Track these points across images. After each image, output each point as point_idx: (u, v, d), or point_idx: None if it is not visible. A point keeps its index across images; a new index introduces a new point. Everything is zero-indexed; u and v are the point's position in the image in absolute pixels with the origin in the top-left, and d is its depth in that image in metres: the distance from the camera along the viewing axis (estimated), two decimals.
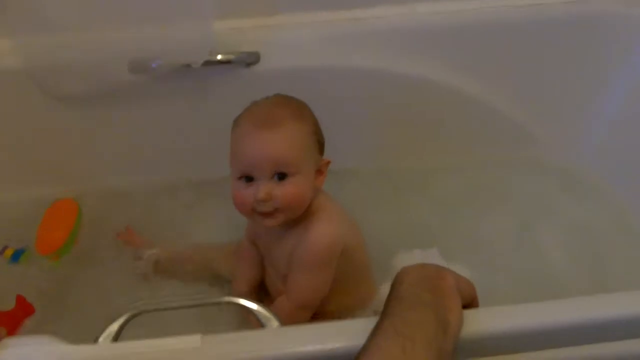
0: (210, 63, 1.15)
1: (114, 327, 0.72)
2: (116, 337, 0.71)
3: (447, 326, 0.62)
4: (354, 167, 1.29)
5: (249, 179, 0.86)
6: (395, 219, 1.23)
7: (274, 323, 0.73)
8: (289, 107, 0.89)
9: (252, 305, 0.75)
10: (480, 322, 0.66)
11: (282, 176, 0.85)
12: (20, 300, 1.05)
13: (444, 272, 0.68)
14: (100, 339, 0.70)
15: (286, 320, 0.85)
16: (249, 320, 0.99)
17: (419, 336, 0.59)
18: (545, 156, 1.33)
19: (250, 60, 1.18)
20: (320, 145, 0.92)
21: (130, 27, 1.14)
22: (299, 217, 0.89)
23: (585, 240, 1.18)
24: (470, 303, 0.71)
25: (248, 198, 0.86)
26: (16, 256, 1.16)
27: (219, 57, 1.15)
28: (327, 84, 1.22)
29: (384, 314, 0.63)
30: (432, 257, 0.97)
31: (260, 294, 1.05)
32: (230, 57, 1.16)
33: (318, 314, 0.94)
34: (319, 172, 0.91)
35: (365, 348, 0.60)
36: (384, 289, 0.69)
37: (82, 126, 1.24)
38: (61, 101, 1.20)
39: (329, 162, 0.92)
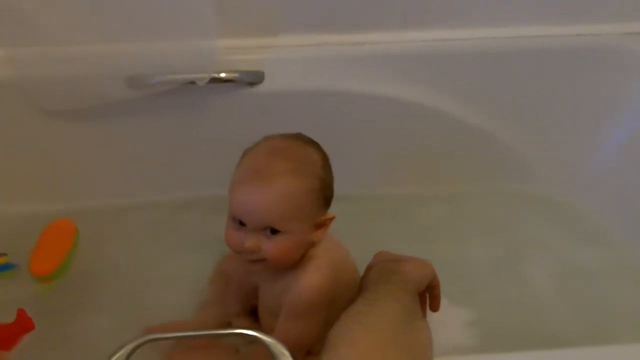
0: (214, 81, 1.13)
1: (122, 354, 0.69)
2: None
3: (412, 293, 0.79)
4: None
5: (241, 222, 0.83)
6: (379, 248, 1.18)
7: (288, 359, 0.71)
8: (292, 159, 0.82)
9: (267, 338, 0.72)
10: None
11: (273, 231, 0.81)
12: (21, 314, 0.99)
13: (404, 260, 0.85)
14: None
15: None
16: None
17: (382, 292, 0.76)
18: (539, 189, 1.32)
19: (254, 79, 1.17)
20: (326, 201, 0.85)
21: (130, 42, 1.12)
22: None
23: (575, 277, 1.16)
24: (432, 281, 0.85)
25: (237, 241, 0.83)
26: (4, 268, 1.10)
27: (223, 75, 1.14)
28: (326, 107, 1.21)
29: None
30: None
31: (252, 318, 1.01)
32: (235, 75, 1.15)
33: (311, 353, 0.91)
34: (320, 225, 0.86)
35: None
36: None
37: (77, 141, 1.21)
38: (56, 115, 1.17)
39: (333, 217, 0.87)
